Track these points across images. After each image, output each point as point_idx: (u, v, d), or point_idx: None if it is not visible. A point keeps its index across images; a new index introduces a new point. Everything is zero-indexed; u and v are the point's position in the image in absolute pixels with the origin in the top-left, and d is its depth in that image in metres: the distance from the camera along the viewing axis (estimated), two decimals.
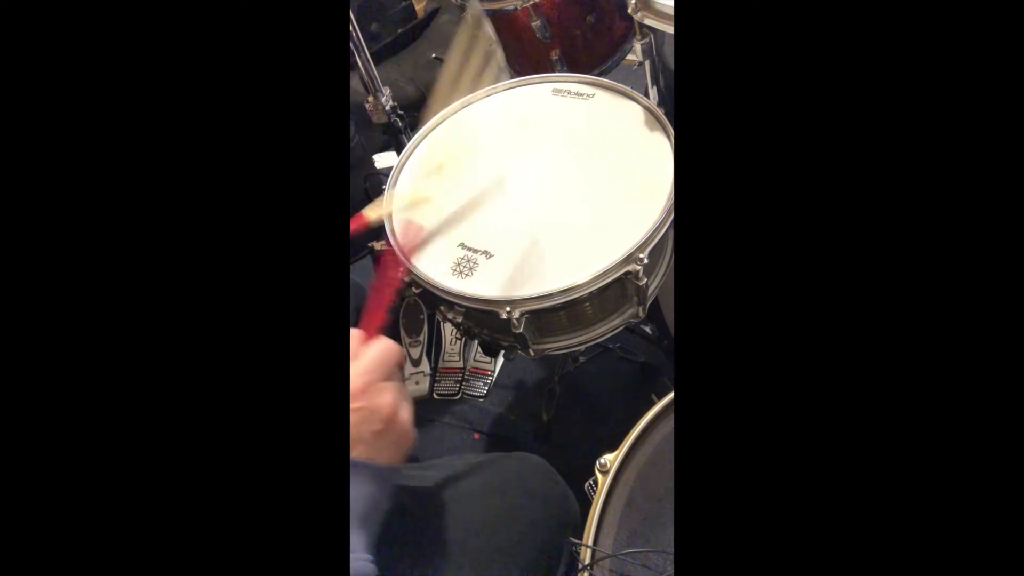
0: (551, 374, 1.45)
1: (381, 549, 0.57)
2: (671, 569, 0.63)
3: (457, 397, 1.52)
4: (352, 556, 0.53)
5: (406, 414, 0.61)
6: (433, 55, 1.97)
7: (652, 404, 0.73)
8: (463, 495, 0.80)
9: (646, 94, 1.02)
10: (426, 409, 1.51)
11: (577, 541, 0.65)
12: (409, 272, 0.81)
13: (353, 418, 0.56)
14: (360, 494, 0.56)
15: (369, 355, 0.60)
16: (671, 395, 0.74)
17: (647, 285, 0.81)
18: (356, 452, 0.56)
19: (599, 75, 1.04)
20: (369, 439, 0.57)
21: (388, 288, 0.69)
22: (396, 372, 0.62)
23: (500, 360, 1.55)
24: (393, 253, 0.82)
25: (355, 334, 0.62)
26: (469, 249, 0.84)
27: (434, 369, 1.56)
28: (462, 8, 1.35)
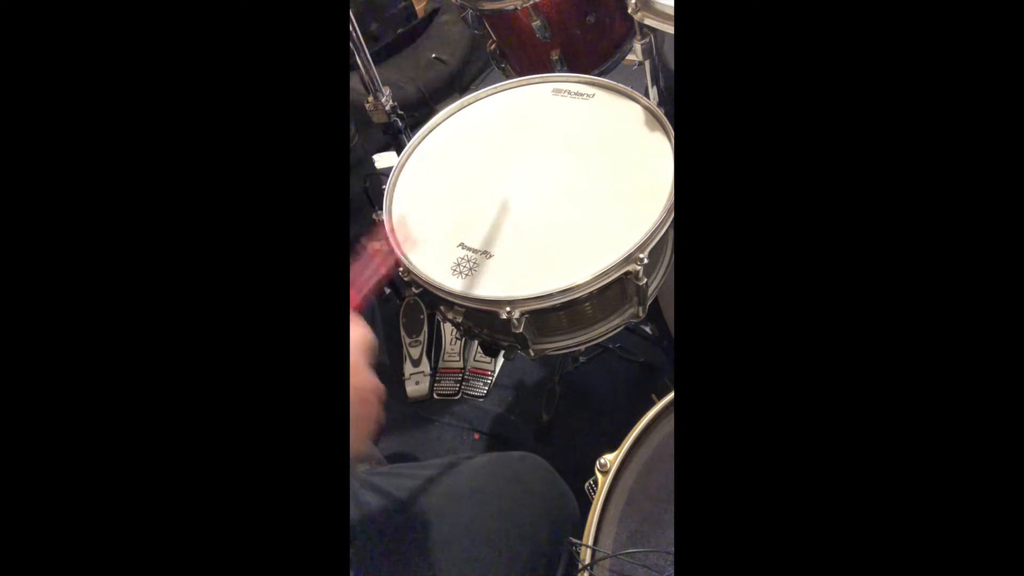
0: (551, 374, 1.45)
1: (372, 548, 0.56)
2: (671, 569, 0.63)
3: (457, 397, 1.52)
4: None
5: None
6: (433, 55, 1.97)
7: (652, 404, 0.73)
8: (463, 495, 0.80)
9: (646, 94, 1.02)
10: (426, 409, 1.51)
11: (577, 541, 0.65)
12: (399, 267, 0.81)
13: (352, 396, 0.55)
14: None
15: (355, 335, 0.60)
16: (671, 395, 0.74)
17: (647, 285, 0.81)
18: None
19: (599, 75, 1.04)
20: (357, 420, 0.55)
21: (372, 277, 0.68)
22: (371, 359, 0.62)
23: (500, 360, 1.55)
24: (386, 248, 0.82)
25: None
26: (469, 249, 0.84)
27: (434, 369, 1.56)
28: (462, 8, 1.35)
